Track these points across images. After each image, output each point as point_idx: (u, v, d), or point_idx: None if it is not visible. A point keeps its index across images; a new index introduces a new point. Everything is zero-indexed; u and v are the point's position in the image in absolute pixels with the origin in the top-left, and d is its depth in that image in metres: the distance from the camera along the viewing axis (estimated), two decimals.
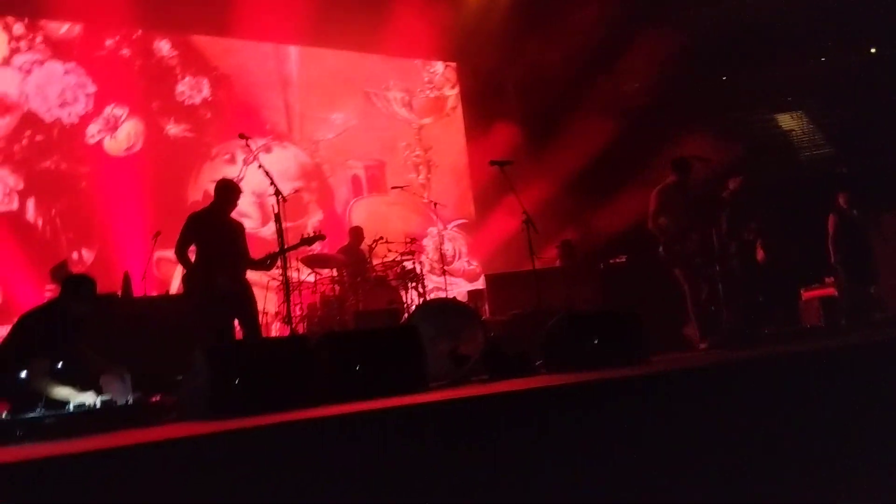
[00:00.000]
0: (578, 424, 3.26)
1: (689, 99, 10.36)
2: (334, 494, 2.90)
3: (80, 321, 5.05)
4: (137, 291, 7.27)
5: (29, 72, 9.01)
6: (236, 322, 6.26)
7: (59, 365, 4.78)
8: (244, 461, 2.91)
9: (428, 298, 8.03)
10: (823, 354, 4.88)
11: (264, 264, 6.34)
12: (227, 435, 3.09)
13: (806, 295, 8.37)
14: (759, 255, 8.15)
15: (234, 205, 6.40)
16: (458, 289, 10.88)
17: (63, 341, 4.90)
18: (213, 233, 6.17)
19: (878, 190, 9.24)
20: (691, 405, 3.68)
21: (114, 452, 2.91)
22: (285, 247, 6.23)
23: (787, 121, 11.17)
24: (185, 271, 6.20)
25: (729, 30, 10.31)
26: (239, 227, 6.44)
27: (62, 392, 4.67)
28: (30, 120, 8.92)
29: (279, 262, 6.32)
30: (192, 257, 6.16)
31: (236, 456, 2.92)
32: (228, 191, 6.36)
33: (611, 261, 9.06)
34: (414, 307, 7.69)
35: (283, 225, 6.17)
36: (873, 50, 10.97)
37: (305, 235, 6.50)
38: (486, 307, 9.20)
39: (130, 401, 4.74)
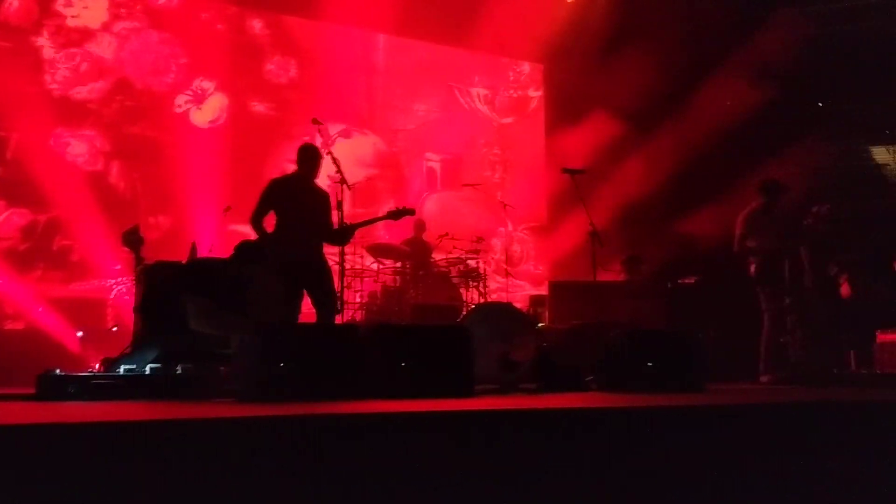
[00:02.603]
0: (613, 450, 3.15)
1: (780, 122, 9.98)
2: (361, 495, 2.87)
3: None
4: None
5: (126, 38, 9.29)
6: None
7: None
8: (273, 449, 2.90)
9: (488, 298, 7.97)
10: None
11: (338, 237, 6.13)
12: (260, 421, 3.09)
13: (882, 338, 7.95)
14: (844, 290, 7.84)
15: (317, 171, 6.12)
16: (522, 291, 10.77)
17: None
18: (295, 200, 5.91)
19: None
20: (741, 443, 3.51)
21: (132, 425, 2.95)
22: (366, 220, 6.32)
23: (881, 154, 10.66)
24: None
25: (829, 57, 9.92)
26: (325, 196, 6.14)
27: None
28: (122, 85, 9.20)
29: (337, 249, 6.36)
30: (268, 229, 5.89)
31: (267, 443, 2.92)
32: (311, 155, 6.07)
33: (680, 280, 8.82)
34: (472, 306, 7.64)
35: (355, 210, 6.22)
36: None
37: (391, 210, 6.39)
38: (546, 314, 9.08)
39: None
